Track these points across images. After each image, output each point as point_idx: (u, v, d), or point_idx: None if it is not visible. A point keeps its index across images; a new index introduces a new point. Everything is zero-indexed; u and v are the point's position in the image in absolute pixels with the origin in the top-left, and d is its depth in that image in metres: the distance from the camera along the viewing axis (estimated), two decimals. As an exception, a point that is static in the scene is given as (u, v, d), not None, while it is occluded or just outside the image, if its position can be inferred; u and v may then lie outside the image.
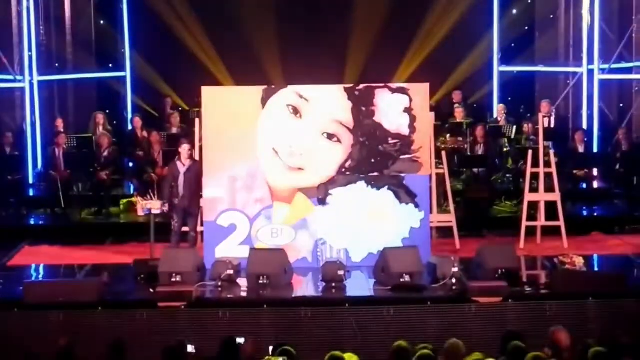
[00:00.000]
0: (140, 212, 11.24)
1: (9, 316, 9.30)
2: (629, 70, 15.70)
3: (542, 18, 17.19)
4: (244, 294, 9.90)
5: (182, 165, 11.11)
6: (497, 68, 16.50)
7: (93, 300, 9.42)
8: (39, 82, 15.38)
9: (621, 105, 16.26)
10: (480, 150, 14.24)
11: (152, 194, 11.07)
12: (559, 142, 14.25)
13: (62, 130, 14.72)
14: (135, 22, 16.83)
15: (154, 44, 16.78)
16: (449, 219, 12.08)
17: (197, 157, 11.78)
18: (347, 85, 11.18)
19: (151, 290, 9.77)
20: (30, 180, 14.85)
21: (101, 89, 16.92)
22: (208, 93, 11.40)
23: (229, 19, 16.62)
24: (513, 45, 16.87)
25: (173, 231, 11.10)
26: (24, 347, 8.96)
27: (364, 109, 11.06)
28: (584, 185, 14.24)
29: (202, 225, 11.46)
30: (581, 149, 14.24)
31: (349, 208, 11.07)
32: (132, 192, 14.16)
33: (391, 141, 11.09)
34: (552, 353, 7.26)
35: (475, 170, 14.18)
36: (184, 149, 11.16)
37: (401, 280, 9.85)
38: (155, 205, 10.83)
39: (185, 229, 11.23)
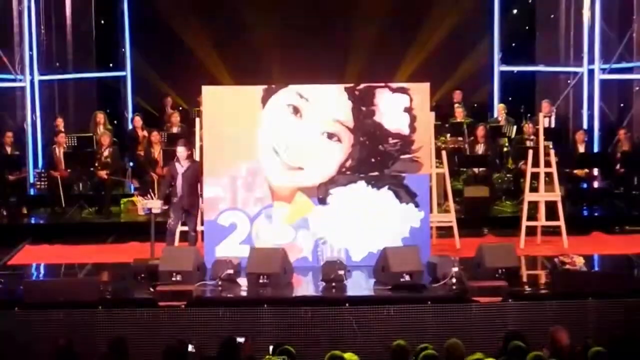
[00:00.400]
0: (141, 212, 11.25)
1: (9, 315, 9.29)
2: (629, 70, 15.71)
3: (542, 18, 17.20)
4: (244, 293, 9.89)
5: (181, 166, 11.08)
6: (497, 68, 16.51)
7: (93, 299, 9.42)
8: (40, 81, 15.39)
9: (621, 105, 16.27)
10: (480, 149, 14.25)
11: (152, 194, 11.07)
12: (560, 142, 14.25)
13: (63, 129, 14.74)
14: (136, 22, 16.85)
15: (154, 44, 16.80)
16: (449, 218, 12.08)
17: (197, 157, 11.79)
18: (347, 85, 11.18)
19: (151, 290, 9.76)
20: (31, 180, 14.86)
21: (101, 88, 16.94)
22: (208, 92, 11.40)
23: (229, 19, 16.64)
24: (513, 45, 16.89)
25: (168, 230, 11.08)
26: (24, 346, 9.00)
27: (364, 108, 11.07)
28: (585, 185, 14.24)
29: (202, 224, 11.47)
30: (582, 149, 14.24)
31: (349, 207, 11.07)
32: (132, 191, 14.18)
33: (391, 141, 11.09)
34: (551, 353, 7.26)
35: (476, 169, 14.19)
36: (180, 150, 11.12)
37: (401, 279, 9.84)
38: (155, 205, 10.83)
39: (185, 228, 11.22)
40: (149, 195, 11.04)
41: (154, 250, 10.73)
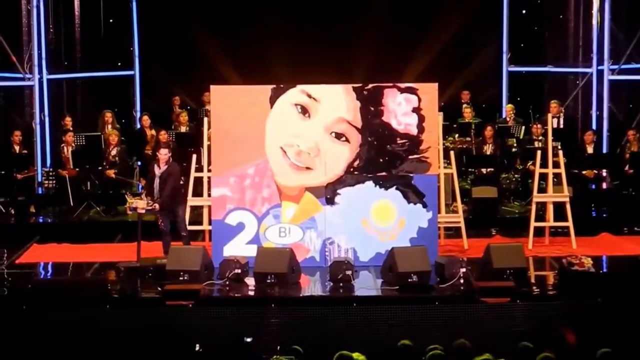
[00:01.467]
0: (128, 211, 11.26)
1: (17, 314, 9.30)
2: (638, 71, 15.67)
3: (551, 18, 17.17)
4: (251, 293, 9.89)
5: (158, 169, 11.05)
6: (506, 68, 16.48)
7: (101, 298, 9.43)
8: (48, 80, 15.43)
9: (630, 105, 16.24)
10: (488, 150, 14.23)
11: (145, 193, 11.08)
12: (568, 143, 14.20)
13: (71, 128, 14.76)
14: (144, 21, 16.84)
15: (162, 43, 16.80)
16: (457, 218, 12.06)
17: (205, 156, 11.78)
18: (355, 85, 11.17)
19: (159, 289, 9.77)
20: (39, 179, 14.89)
21: (110, 87, 16.95)
22: (217, 92, 11.40)
23: (238, 18, 16.64)
24: (522, 45, 16.84)
25: (161, 231, 11.07)
26: (32, 344, 9.02)
27: (372, 108, 11.06)
28: (593, 186, 14.20)
29: (209, 224, 11.47)
30: (590, 150, 14.20)
31: (357, 207, 11.07)
32: (139, 190, 14.19)
33: (399, 141, 11.08)
34: (558, 353, 7.25)
35: (484, 170, 14.18)
36: (162, 153, 11.08)
37: (409, 280, 9.83)
38: (140, 205, 10.81)
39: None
40: (143, 195, 11.05)
41: (140, 250, 10.73)
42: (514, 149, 14.95)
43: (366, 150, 11.08)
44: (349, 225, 11.07)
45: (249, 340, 7.70)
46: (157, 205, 10.83)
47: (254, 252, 10.44)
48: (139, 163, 15.04)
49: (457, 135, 15.10)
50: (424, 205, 11.06)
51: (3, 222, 13.50)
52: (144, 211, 10.87)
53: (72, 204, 13.85)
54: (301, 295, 9.95)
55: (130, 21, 16.84)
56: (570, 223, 11.91)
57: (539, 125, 14.38)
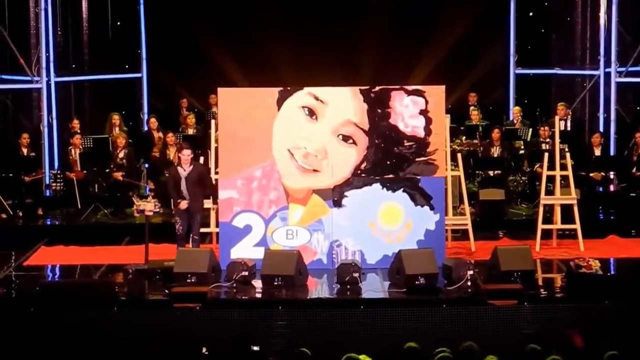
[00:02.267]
0: (135, 214, 11.26)
1: (24, 316, 9.32)
2: (646, 73, 15.65)
3: (558, 20, 17.15)
4: (258, 295, 9.90)
5: (183, 170, 10.99)
6: (513, 70, 16.46)
7: (108, 300, 9.44)
8: (56, 82, 15.45)
9: (638, 108, 16.20)
10: (496, 152, 14.23)
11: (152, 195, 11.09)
12: (576, 145, 14.18)
13: (79, 130, 14.79)
14: (152, 24, 16.88)
15: (170, 46, 16.83)
16: (464, 221, 12.05)
17: (212, 159, 11.77)
18: (362, 87, 11.18)
19: (166, 291, 9.78)
20: (47, 181, 14.92)
21: (117, 90, 16.98)
22: (224, 94, 11.41)
23: (245, 21, 16.66)
24: (529, 47, 16.83)
25: (177, 236, 11.02)
26: (40, 346, 9.03)
27: (379, 110, 11.06)
28: (601, 189, 14.18)
29: (217, 226, 11.48)
30: (598, 152, 14.19)
31: (364, 210, 11.07)
32: (147, 192, 14.22)
33: (407, 143, 11.08)
34: (567, 356, 7.24)
35: (491, 172, 14.17)
36: (185, 154, 10.99)
37: (416, 282, 9.83)
38: (148, 207, 10.80)
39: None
40: (150, 197, 11.05)
41: (148, 252, 10.72)
42: (521, 151, 14.94)
43: (373, 152, 11.08)
44: (356, 228, 11.07)
45: (256, 348, 7.68)
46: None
47: (261, 255, 10.45)
48: (147, 165, 15.06)
49: (464, 138, 15.09)
50: (431, 208, 11.06)
51: (11, 224, 13.55)
52: (151, 213, 10.87)
53: (79, 207, 13.89)
54: (308, 297, 9.93)
55: (138, 24, 16.88)
56: (577, 225, 11.90)
57: (546, 128, 14.37)
